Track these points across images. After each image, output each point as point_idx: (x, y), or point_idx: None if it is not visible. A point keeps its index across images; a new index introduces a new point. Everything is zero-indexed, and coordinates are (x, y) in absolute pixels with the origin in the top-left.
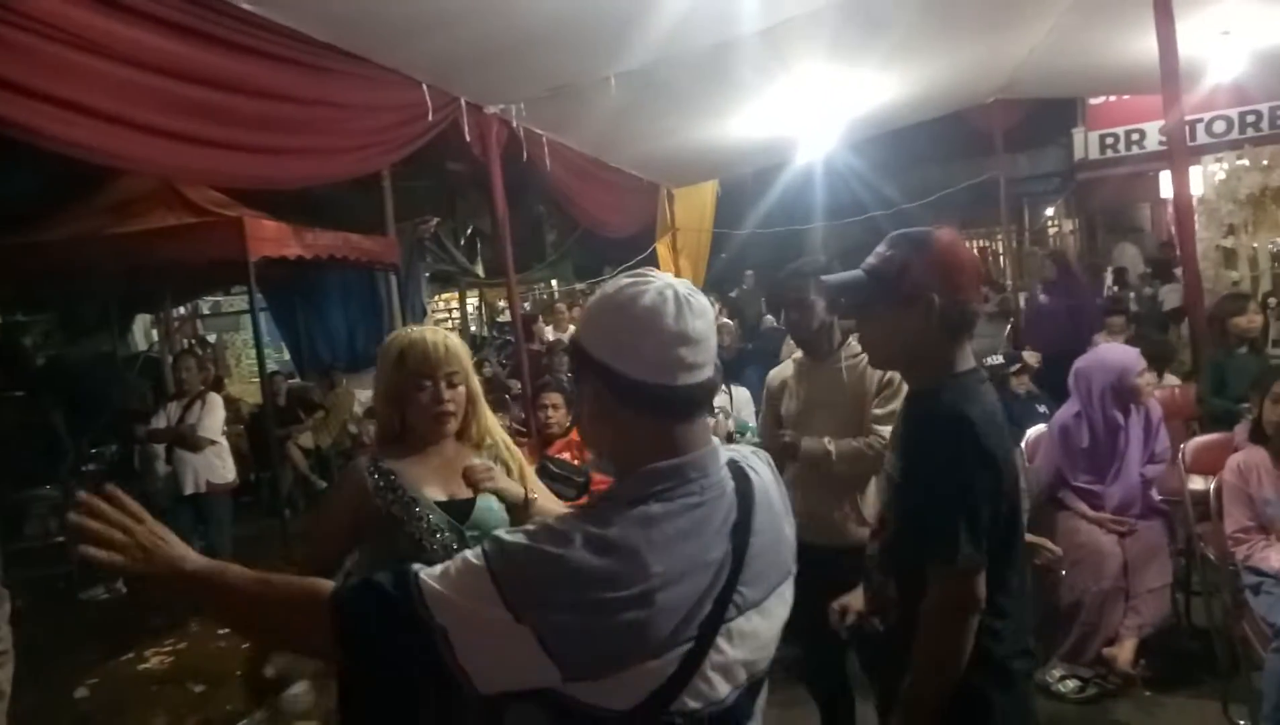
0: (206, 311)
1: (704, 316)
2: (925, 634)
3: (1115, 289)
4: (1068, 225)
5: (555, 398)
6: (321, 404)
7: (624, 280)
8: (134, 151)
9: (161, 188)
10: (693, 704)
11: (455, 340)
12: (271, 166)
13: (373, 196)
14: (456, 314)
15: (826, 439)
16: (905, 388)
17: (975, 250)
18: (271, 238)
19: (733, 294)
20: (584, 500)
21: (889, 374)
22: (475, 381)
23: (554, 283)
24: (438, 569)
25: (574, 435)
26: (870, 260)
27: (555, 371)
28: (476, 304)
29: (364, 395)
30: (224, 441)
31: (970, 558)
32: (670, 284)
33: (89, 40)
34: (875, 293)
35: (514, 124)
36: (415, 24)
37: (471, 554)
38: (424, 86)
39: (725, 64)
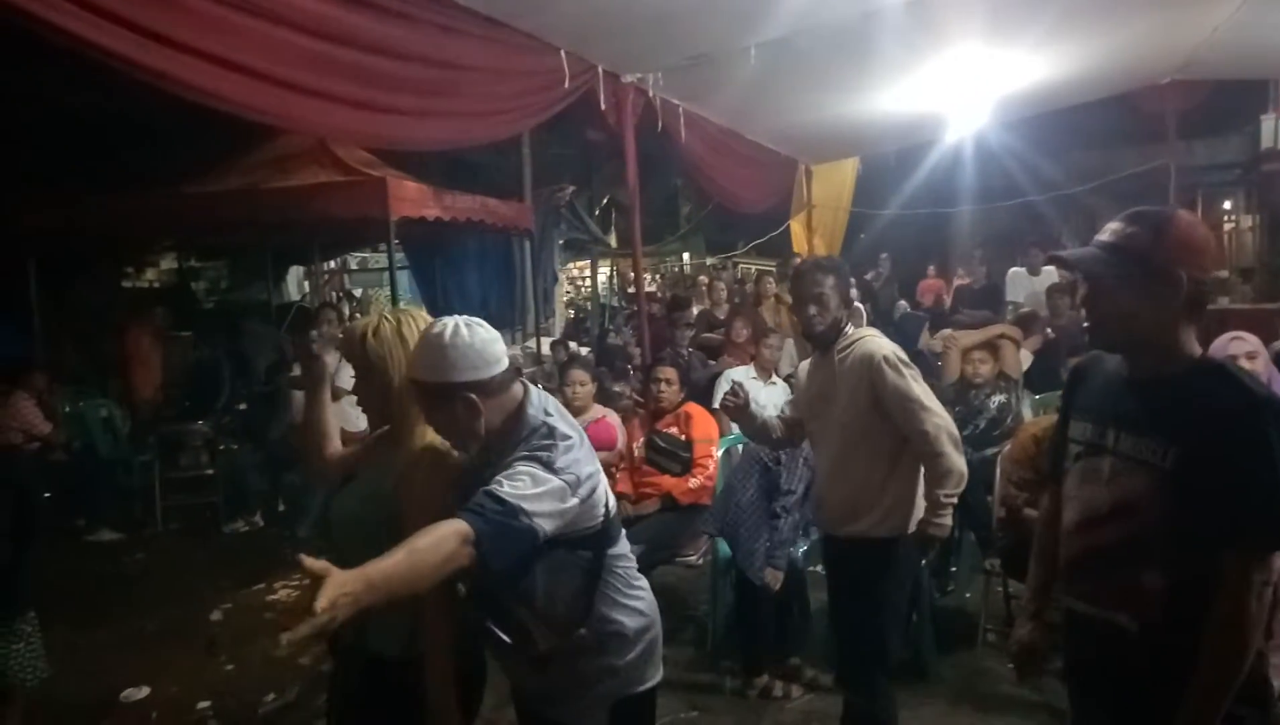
0: (355, 266)
1: (486, 327)
2: (1233, 618)
3: None
4: (1246, 221)
5: (669, 372)
6: None
7: (434, 328)
8: (285, 110)
9: (316, 146)
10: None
11: (384, 331)
12: (413, 128)
13: (512, 162)
14: (588, 283)
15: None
16: (880, 366)
17: None
18: (412, 198)
19: (868, 276)
20: (689, 477)
21: (879, 356)
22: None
23: (685, 256)
24: (523, 491)
25: (683, 409)
26: (1106, 237)
27: (676, 345)
28: (609, 274)
29: None
30: None
31: None
32: (454, 320)
33: (250, 3)
34: (1120, 269)
35: (650, 93)
36: None
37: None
38: (562, 53)
39: (870, 37)
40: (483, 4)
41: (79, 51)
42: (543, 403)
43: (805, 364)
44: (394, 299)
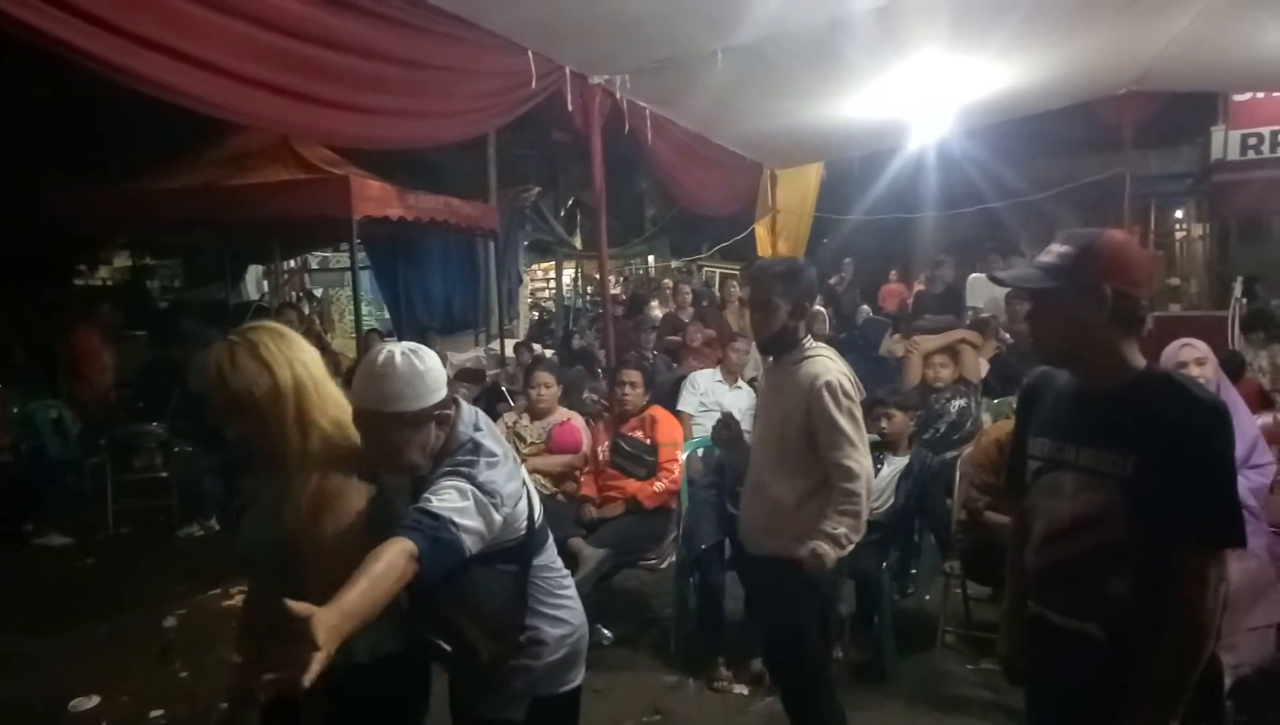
0: (315, 266)
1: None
2: (1193, 616)
3: (1244, 301)
4: (1197, 230)
5: (634, 375)
6: None
7: (379, 354)
8: (246, 106)
9: (277, 143)
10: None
11: (240, 359)
12: (378, 126)
13: (477, 162)
14: (553, 284)
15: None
16: (819, 393)
17: None
18: (375, 197)
19: (831, 281)
20: (654, 481)
21: (822, 379)
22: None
23: (650, 259)
24: (451, 505)
25: (648, 412)
26: (1044, 256)
27: (641, 348)
28: (573, 275)
29: (456, 357)
30: None
31: (1242, 533)
32: (395, 347)
33: None
34: (1052, 286)
35: (617, 95)
36: None
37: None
38: (529, 53)
39: (836, 44)
40: (451, 2)
41: (35, 43)
42: (472, 419)
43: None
44: (355, 299)
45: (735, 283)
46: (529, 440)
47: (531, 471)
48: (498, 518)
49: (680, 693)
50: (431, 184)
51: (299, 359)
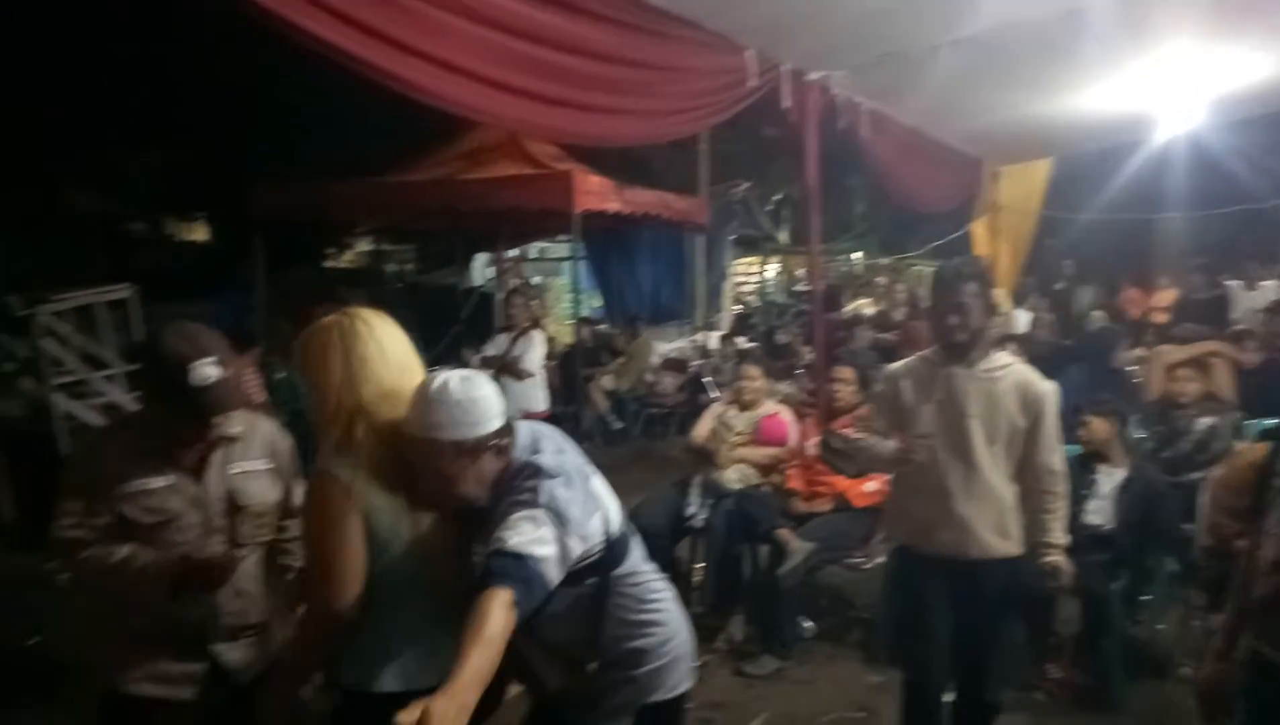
0: (534, 256)
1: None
2: None
3: None
4: None
5: (847, 372)
6: (623, 351)
7: (434, 381)
8: (493, 107)
9: (508, 140)
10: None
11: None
12: (604, 125)
13: (688, 157)
14: (755, 279)
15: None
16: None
17: None
18: (595, 192)
19: (1057, 286)
20: (865, 480)
21: (1044, 387)
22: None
23: (855, 256)
24: (528, 538)
25: (861, 411)
26: None
27: (854, 345)
28: (777, 271)
29: (662, 347)
30: (542, 374)
31: None
32: (451, 374)
33: (461, 5)
34: None
35: (834, 91)
36: None
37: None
38: (747, 52)
39: (1071, 34)
40: (674, 4)
41: (322, 52)
42: (529, 442)
43: (901, 368)
44: (575, 288)
45: None
46: (737, 429)
47: (739, 461)
48: (572, 541)
49: (885, 693)
50: (642, 179)
51: (365, 353)
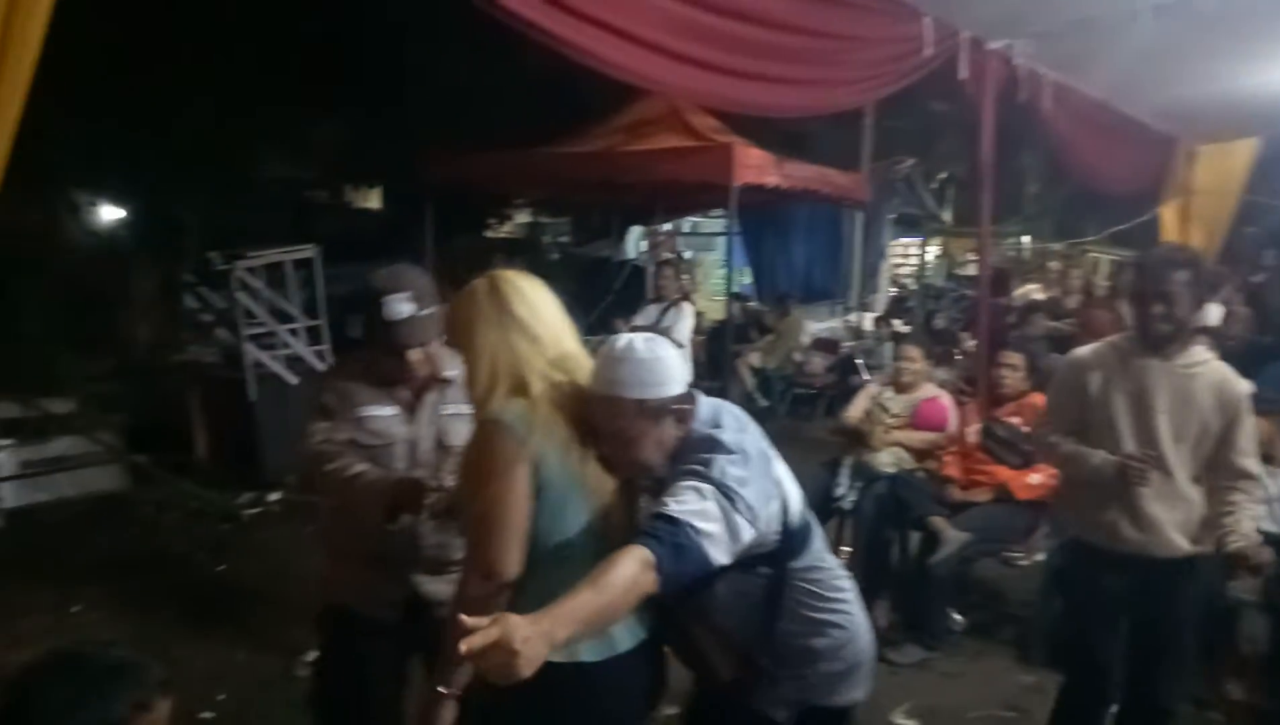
0: (686, 230)
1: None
2: None
3: None
4: None
5: (1015, 358)
6: (773, 328)
7: (619, 340)
8: (665, 75)
9: (668, 113)
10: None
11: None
12: (772, 94)
13: (849, 132)
14: (911, 260)
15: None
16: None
17: None
18: (755, 165)
19: (1256, 278)
20: (1030, 472)
21: (1243, 388)
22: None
23: (1024, 239)
24: (690, 508)
25: (1030, 399)
26: None
27: (1027, 332)
28: (937, 253)
29: (813, 326)
30: (689, 347)
31: None
32: (633, 336)
33: None
34: None
35: (1016, 61)
36: None
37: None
38: (925, 19)
39: None
40: None
41: (501, 19)
42: (711, 415)
43: (1089, 355)
44: (729, 263)
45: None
46: (893, 412)
47: (893, 444)
48: (741, 522)
49: (1039, 695)
50: (801, 153)
51: (517, 312)
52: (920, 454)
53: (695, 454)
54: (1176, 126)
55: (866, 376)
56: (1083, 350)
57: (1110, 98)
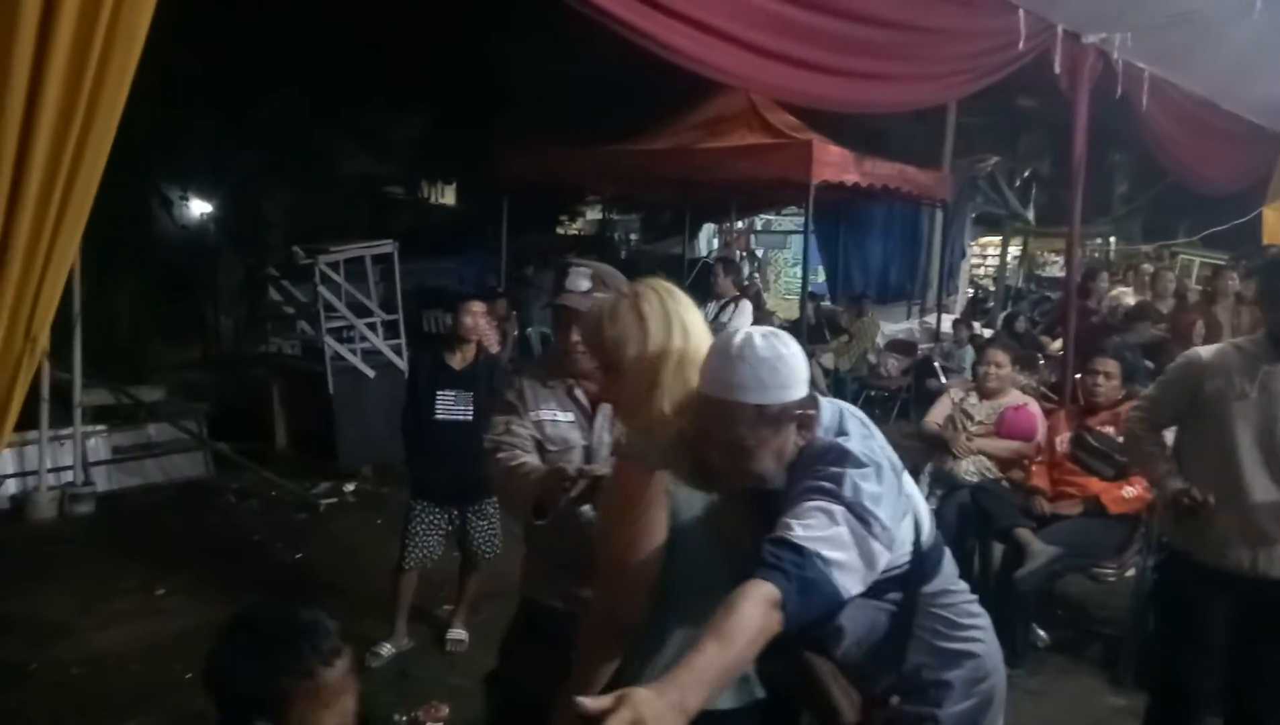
0: (759, 228)
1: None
2: None
3: None
4: None
5: (1110, 364)
6: (847, 329)
7: (736, 336)
8: (754, 73)
9: (745, 109)
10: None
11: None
12: (864, 90)
13: (932, 129)
14: (990, 260)
15: None
16: None
17: None
18: (833, 162)
19: None
20: (1124, 484)
21: None
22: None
23: (1112, 240)
24: (818, 534)
25: (1125, 408)
26: None
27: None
28: (1017, 253)
29: (888, 327)
30: None
31: None
32: (753, 331)
33: None
34: None
35: (1113, 56)
36: None
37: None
38: (1020, 12)
39: None
40: None
41: (585, 12)
42: (834, 422)
43: (1210, 356)
44: (804, 262)
45: (1234, 274)
46: (977, 419)
47: (977, 451)
48: (876, 547)
49: (1128, 718)
50: (880, 150)
51: (682, 323)
52: (1005, 463)
53: (820, 467)
54: None
55: (944, 380)
56: (1203, 350)
57: (1212, 93)
